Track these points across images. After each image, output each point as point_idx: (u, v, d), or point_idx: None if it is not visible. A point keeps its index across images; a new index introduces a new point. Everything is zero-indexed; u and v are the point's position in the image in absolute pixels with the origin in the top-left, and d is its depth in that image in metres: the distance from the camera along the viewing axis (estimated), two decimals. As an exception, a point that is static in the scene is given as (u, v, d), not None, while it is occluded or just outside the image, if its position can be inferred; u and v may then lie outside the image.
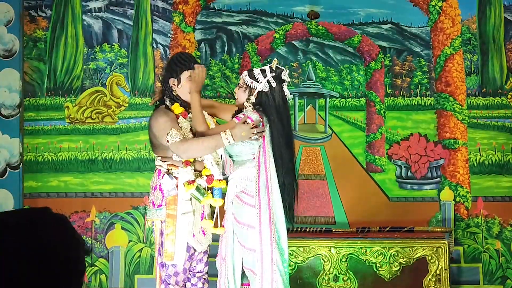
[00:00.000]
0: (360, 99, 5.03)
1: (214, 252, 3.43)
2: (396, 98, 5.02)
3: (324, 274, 4.35)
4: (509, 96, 4.95)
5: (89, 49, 5.10)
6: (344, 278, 4.34)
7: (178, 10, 5.09)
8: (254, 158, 3.21)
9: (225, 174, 3.35)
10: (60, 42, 5.09)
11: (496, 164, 4.89)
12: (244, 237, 3.20)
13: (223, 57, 5.08)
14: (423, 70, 5.02)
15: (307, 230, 4.55)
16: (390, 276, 4.29)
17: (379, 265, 4.30)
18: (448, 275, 4.28)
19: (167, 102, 3.30)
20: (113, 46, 5.10)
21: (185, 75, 3.27)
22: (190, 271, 3.36)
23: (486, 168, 4.90)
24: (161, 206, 3.26)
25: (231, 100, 5.02)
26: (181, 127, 3.20)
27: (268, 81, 3.23)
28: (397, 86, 5.03)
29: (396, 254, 4.30)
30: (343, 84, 5.05)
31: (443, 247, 4.28)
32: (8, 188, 4.95)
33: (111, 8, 5.15)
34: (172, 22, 5.09)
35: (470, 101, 4.96)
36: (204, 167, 3.26)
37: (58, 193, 5.01)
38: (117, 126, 5.07)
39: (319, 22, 5.05)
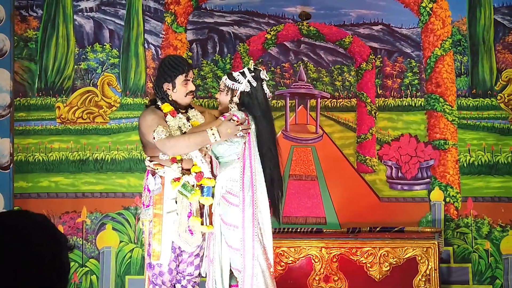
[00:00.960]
0: (351, 99, 5.05)
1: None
2: (386, 99, 5.04)
3: (315, 274, 4.37)
4: (498, 97, 4.99)
5: (81, 49, 5.09)
6: (335, 278, 4.36)
7: (170, 10, 5.09)
8: (239, 158, 3.25)
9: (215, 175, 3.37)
10: (51, 42, 5.08)
11: (485, 165, 4.93)
12: (231, 237, 3.23)
13: (214, 58, 5.08)
14: (413, 71, 5.04)
15: (298, 230, 4.57)
16: (381, 276, 4.32)
17: (370, 265, 4.33)
18: (438, 275, 4.30)
19: (158, 102, 3.32)
20: (104, 46, 5.10)
21: (179, 79, 3.28)
22: (180, 273, 3.36)
23: (475, 168, 4.93)
24: (149, 206, 3.29)
25: (222, 101, 5.04)
26: (168, 125, 3.22)
27: (248, 81, 3.31)
28: (387, 87, 5.05)
29: (386, 254, 4.32)
30: (334, 85, 5.06)
31: (433, 247, 4.30)
32: (-1, 189, 4.94)
33: (102, 8, 5.14)
34: (164, 22, 5.09)
35: (460, 102, 5.00)
36: (194, 164, 3.28)
37: (49, 193, 5.00)
38: (109, 127, 5.06)
39: (311, 23, 5.06)
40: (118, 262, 4.91)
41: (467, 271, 4.81)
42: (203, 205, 3.32)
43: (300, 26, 5.08)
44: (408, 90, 5.04)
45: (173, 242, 3.27)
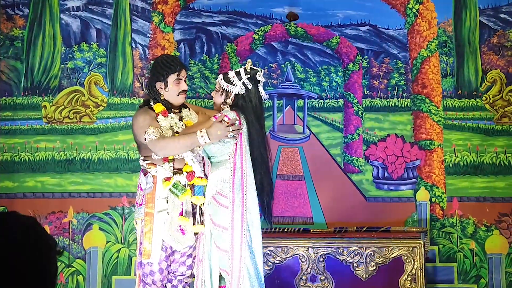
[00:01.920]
0: (338, 100, 5.07)
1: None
2: (373, 100, 5.07)
3: (302, 274, 4.39)
4: (484, 98, 5.04)
5: (67, 48, 5.06)
6: (322, 278, 4.38)
7: (158, 10, 5.08)
8: (230, 158, 3.24)
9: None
10: (37, 41, 5.05)
11: (471, 165, 4.97)
12: (220, 238, 3.22)
13: (202, 58, 5.08)
14: (400, 72, 5.08)
15: (285, 230, 4.58)
16: (367, 276, 4.34)
17: (356, 265, 4.35)
18: (423, 274, 4.34)
19: (151, 102, 3.34)
20: (91, 46, 5.07)
21: (171, 78, 3.29)
22: (172, 272, 3.37)
23: (461, 169, 4.98)
24: (141, 204, 3.31)
25: (210, 101, 5.03)
26: (160, 125, 3.24)
27: (243, 83, 3.26)
28: (374, 87, 5.08)
29: (372, 254, 4.35)
30: (321, 85, 5.08)
31: (418, 247, 4.34)
32: (-16, 188, 4.90)
33: (89, 7, 5.12)
34: (151, 22, 5.08)
35: (446, 103, 5.04)
36: (185, 164, 3.29)
37: (35, 193, 4.96)
38: (95, 126, 5.04)
39: (298, 24, 5.08)
40: (104, 262, 4.89)
41: (452, 270, 4.86)
42: (196, 205, 3.33)
43: (287, 27, 5.09)
44: (395, 91, 5.08)
45: (164, 241, 3.27)
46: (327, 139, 5.06)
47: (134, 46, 5.07)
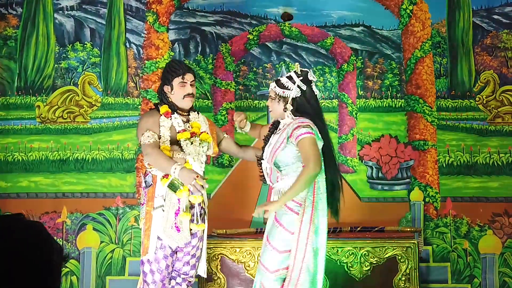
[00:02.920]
0: (333, 100, 5.08)
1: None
2: (367, 100, 5.08)
3: (297, 274, 4.38)
4: (477, 99, 5.07)
5: (61, 48, 5.05)
6: (316, 278, 4.38)
7: (152, 9, 5.07)
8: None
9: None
10: (31, 40, 5.03)
11: (464, 165, 5.00)
12: (279, 239, 3.19)
13: (196, 58, 5.08)
14: (394, 72, 5.10)
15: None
16: (361, 276, 4.35)
17: (350, 265, 4.36)
18: (417, 274, 4.35)
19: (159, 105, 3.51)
20: (85, 45, 5.06)
21: (176, 81, 3.45)
22: (175, 270, 3.43)
23: (454, 169, 5.00)
24: (143, 204, 3.42)
25: (204, 101, 5.03)
26: (161, 126, 3.38)
27: (298, 86, 3.28)
28: (368, 88, 5.10)
29: (367, 254, 4.36)
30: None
31: (412, 247, 4.35)
32: (-23, 188, 4.87)
33: (83, 6, 5.10)
34: (146, 22, 5.07)
35: (440, 103, 5.06)
36: (186, 162, 3.36)
37: (29, 193, 4.94)
38: (89, 126, 5.03)
39: (293, 24, 5.09)
40: (98, 262, 4.88)
41: (446, 270, 4.88)
42: (194, 204, 3.38)
43: (282, 27, 5.09)
44: (389, 91, 5.09)
45: (161, 239, 3.33)
46: (321, 139, 5.06)
47: (128, 46, 5.06)
